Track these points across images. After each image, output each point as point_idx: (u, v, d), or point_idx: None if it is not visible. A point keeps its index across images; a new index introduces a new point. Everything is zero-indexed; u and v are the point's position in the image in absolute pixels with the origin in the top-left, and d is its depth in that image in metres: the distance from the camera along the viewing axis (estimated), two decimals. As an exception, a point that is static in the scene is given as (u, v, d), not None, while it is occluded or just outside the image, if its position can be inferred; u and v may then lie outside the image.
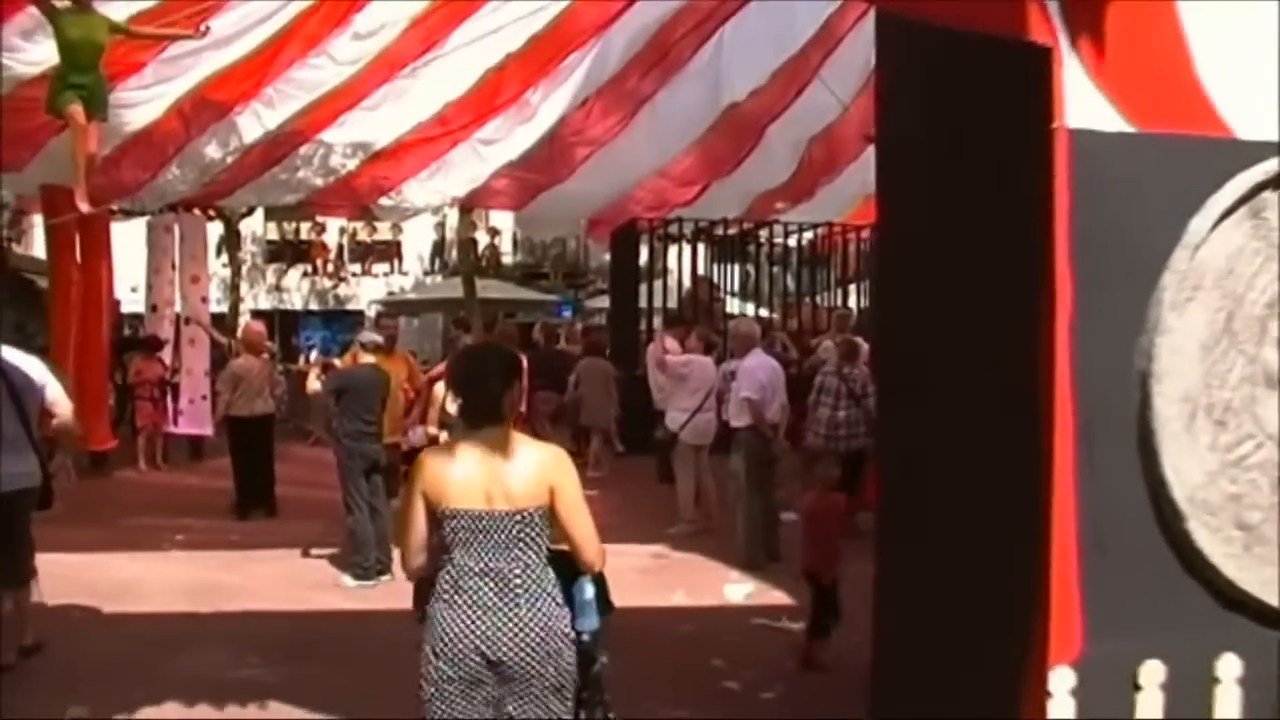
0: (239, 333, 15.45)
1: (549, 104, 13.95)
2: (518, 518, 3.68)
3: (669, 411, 11.41)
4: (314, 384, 9.80)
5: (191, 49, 11.32)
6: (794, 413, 11.03)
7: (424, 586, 3.86)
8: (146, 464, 15.26)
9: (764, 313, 20.73)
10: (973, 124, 3.58)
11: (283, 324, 33.17)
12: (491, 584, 3.67)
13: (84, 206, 8.74)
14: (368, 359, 9.26)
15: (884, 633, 4.32)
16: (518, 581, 3.68)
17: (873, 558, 4.39)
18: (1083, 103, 3.15)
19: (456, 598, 3.68)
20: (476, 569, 3.68)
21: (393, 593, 8.48)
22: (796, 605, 7.86)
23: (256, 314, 31.41)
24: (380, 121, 13.82)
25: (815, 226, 18.68)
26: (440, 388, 7.67)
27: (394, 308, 29.56)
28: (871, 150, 14.30)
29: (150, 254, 16.18)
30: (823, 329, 18.45)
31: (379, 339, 9.79)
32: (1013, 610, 3.29)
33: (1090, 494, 3.14)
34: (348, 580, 8.81)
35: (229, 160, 13.90)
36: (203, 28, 9.64)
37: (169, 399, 15.61)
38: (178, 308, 16.16)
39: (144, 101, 12.21)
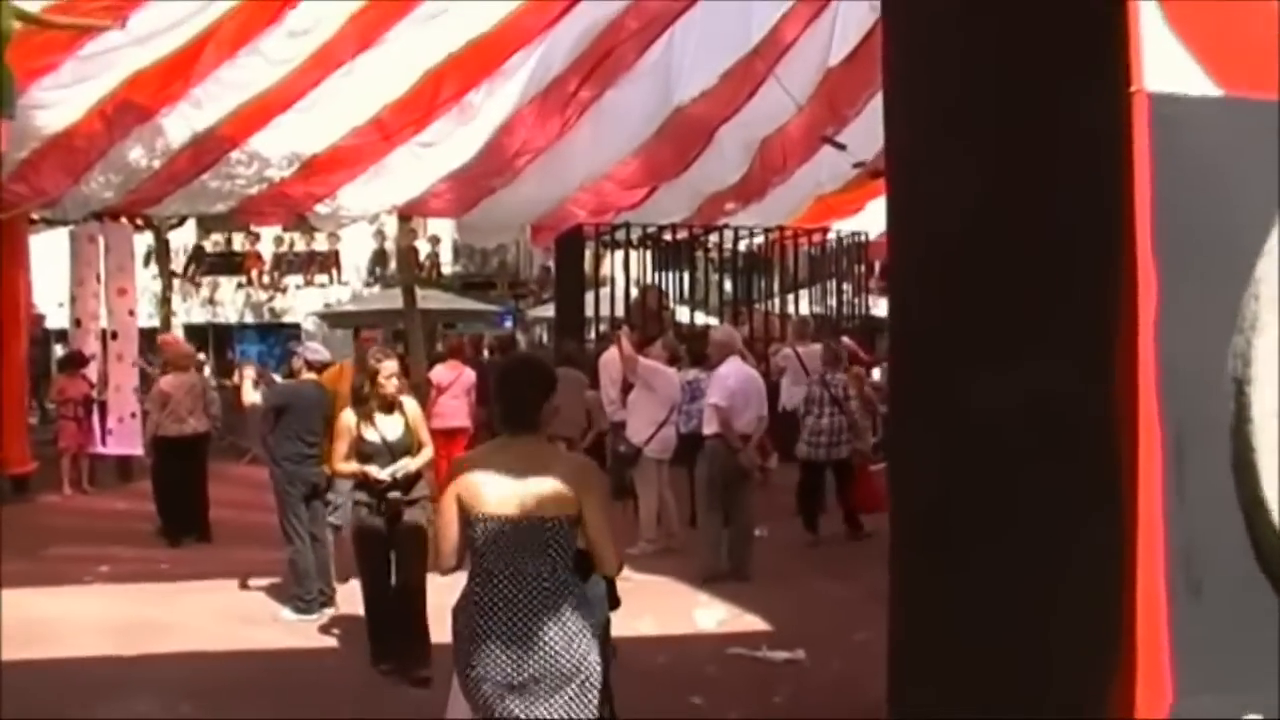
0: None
1: (491, 106, 13.43)
2: (548, 525, 3.82)
3: (631, 423, 10.82)
4: (251, 395, 9.15)
5: (111, 45, 10.69)
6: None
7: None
8: (71, 488, 14.46)
9: (712, 320, 20.28)
10: (1025, 88, 3.06)
11: (217, 338, 32.30)
12: (519, 587, 3.81)
13: (-7, 213, 8.04)
14: (308, 375, 8.59)
15: (906, 672, 3.79)
16: (546, 585, 3.81)
17: (891, 590, 3.84)
18: (1164, 62, 2.66)
19: (487, 602, 3.83)
20: (506, 572, 3.82)
21: (337, 627, 7.90)
22: (773, 631, 7.37)
23: (190, 328, 30.61)
24: (314, 125, 13.21)
25: (766, 230, 18.23)
26: (349, 416, 6.88)
27: (332, 320, 28.88)
28: (825, 151, 14.15)
29: (74, 265, 15.38)
30: (775, 336, 18.06)
31: (326, 356, 9.10)
32: (1086, 659, 2.79)
33: (1180, 524, 2.64)
34: (288, 614, 8.15)
35: (155, 165, 13.23)
36: (121, 21, 8.90)
37: (95, 418, 14.82)
38: (103, 322, 15.39)
39: (62, 102, 11.53)
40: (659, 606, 8.32)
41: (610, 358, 12.69)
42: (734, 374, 9.97)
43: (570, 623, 3.82)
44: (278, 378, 10.19)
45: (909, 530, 3.84)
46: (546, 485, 3.85)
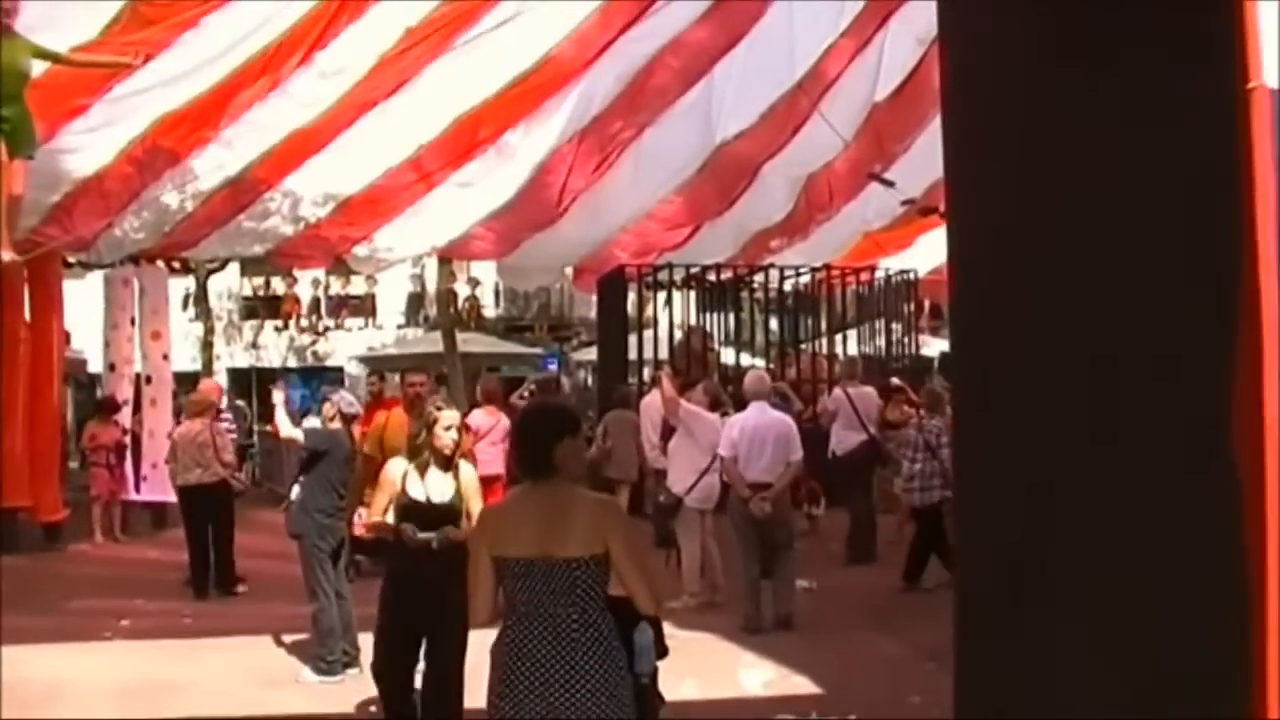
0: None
1: (530, 145, 13.16)
2: (573, 565, 3.84)
3: (672, 472, 10.38)
4: (290, 430, 8.65)
5: (139, 87, 10.51)
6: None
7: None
8: (103, 536, 14.20)
9: (758, 362, 19.84)
10: (1123, 82, 2.63)
11: (260, 382, 32.17)
12: (549, 630, 3.83)
13: (6, 255, 7.75)
14: (336, 425, 8.15)
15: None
16: (575, 627, 3.83)
17: (960, 655, 3.37)
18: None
19: (518, 644, 3.86)
20: (535, 615, 3.85)
21: (360, 689, 7.46)
22: (823, 694, 6.89)
23: (233, 372, 30.51)
24: (349, 165, 13.01)
25: (813, 269, 17.79)
26: (397, 466, 6.10)
27: (374, 363, 28.66)
28: (872, 189, 13.74)
29: (107, 309, 15.19)
30: (823, 378, 17.59)
31: (357, 409, 8.58)
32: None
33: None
34: (309, 675, 7.72)
35: (189, 207, 13.04)
36: (140, 57, 8.66)
37: (128, 464, 14.57)
38: (138, 366, 15.17)
39: (91, 145, 11.38)
40: (702, 666, 7.81)
41: (651, 401, 12.29)
42: (744, 421, 9.74)
43: (601, 666, 3.84)
44: (315, 421, 9.67)
45: (984, 585, 3.36)
46: (569, 526, 3.90)
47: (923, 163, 13.49)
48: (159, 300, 15.41)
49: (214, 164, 12.29)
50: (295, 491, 8.08)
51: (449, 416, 6.14)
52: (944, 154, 3.52)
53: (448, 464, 6.07)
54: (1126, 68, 2.63)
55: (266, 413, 27.68)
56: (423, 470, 6.01)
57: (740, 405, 11.24)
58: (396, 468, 6.08)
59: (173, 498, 14.01)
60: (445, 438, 6.02)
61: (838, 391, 12.82)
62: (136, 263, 14.91)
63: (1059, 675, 2.86)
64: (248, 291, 32.54)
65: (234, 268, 28.96)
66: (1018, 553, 3.09)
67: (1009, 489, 3.08)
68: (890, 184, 12.77)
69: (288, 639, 8.59)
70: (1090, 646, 2.80)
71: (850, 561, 11.76)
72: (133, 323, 15.04)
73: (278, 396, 9.13)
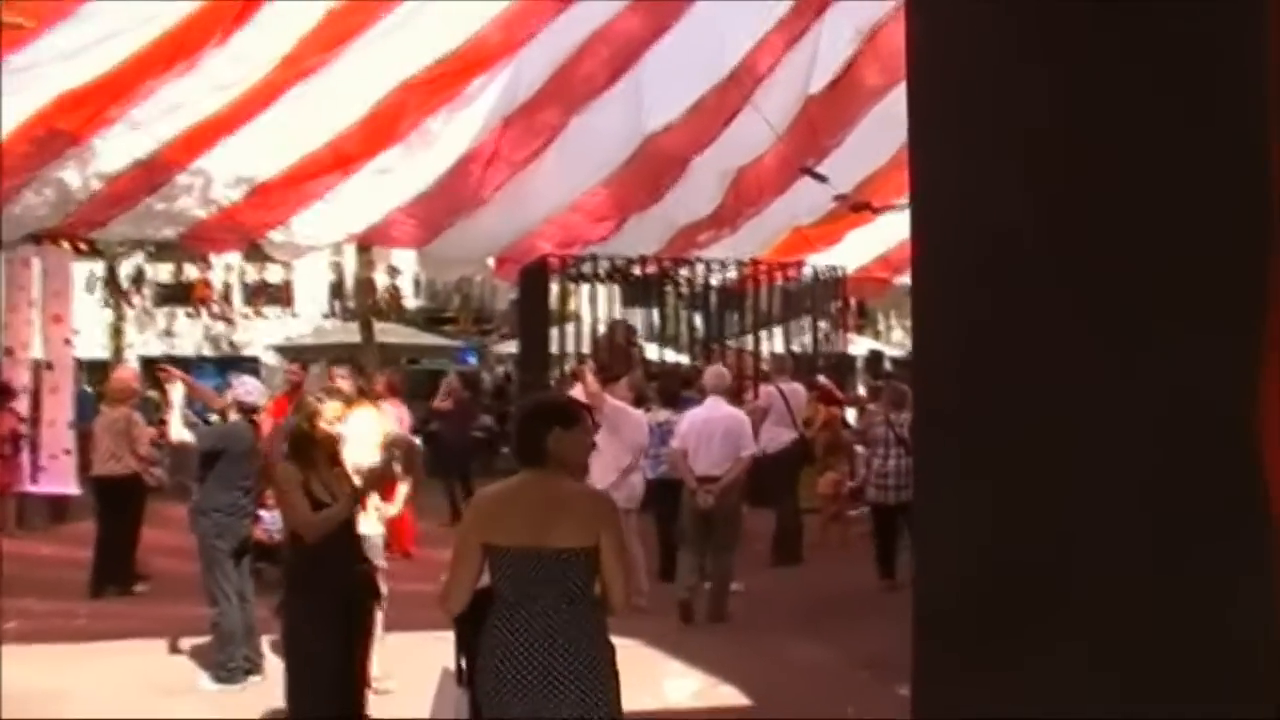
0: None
1: (452, 131, 12.73)
2: (564, 556, 3.85)
3: (594, 469, 10.01)
4: (181, 433, 8.05)
5: (35, 61, 9.91)
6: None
7: (464, 628, 4.02)
8: (-3, 529, 13.55)
9: (683, 358, 19.59)
10: (1148, 52, 2.32)
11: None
12: (538, 621, 3.82)
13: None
14: (237, 416, 7.69)
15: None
16: (565, 620, 3.82)
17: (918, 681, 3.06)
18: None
19: (505, 634, 3.84)
20: (524, 605, 3.84)
21: (262, 698, 7.07)
22: (753, 705, 6.61)
23: (146, 360, 29.68)
24: (265, 149, 12.47)
25: (739, 264, 17.52)
26: (291, 472, 5.47)
27: (290, 354, 28.04)
28: (803, 184, 13.48)
29: (6, 291, 14.48)
30: (748, 375, 17.36)
31: (258, 398, 8.04)
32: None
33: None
34: (207, 683, 7.30)
35: (94, 187, 12.44)
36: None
37: (24, 455, 13.91)
38: (37, 352, 14.50)
39: (-20, 120, 10.74)
40: (627, 675, 7.46)
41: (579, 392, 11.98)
42: (696, 415, 9.84)
43: (588, 662, 3.84)
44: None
45: (950, 604, 3.01)
46: (561, 517, 3.91)
47: (856, 158, 13.32)
48: (61, 283, 14.69)
49: (120, 145, 11.73)
50: (196, 488, 7.64)
51: (332, 409, 5.77)
52: (910, 146, 3.18)
53: (334, 461, 5.68)
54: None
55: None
56: (314, 469, 5.57)
57: (666, 401, 11.02)
58: (293, 474, 5.58)
59: (73, 490, 13.54)
60: (331, 432, 5.67)
61: (769, 388, 12.59)
62: (38, 242, 14.26)
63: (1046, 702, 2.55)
64: (164, 278, 31.65)
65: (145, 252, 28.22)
66: (991, 578, 2.78)
67: (980, 508, 2.76)
68: (823, 179, 12.55)
69: (187, 643, 8.15)
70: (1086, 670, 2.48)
71: (777, 563, 11.54)
72: (31, 305, 14.36)
73: (175, 397, 8.37)
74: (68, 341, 14.66)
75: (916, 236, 3.08)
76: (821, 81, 12.35)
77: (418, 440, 13.05)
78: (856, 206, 12.90)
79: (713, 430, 9.62)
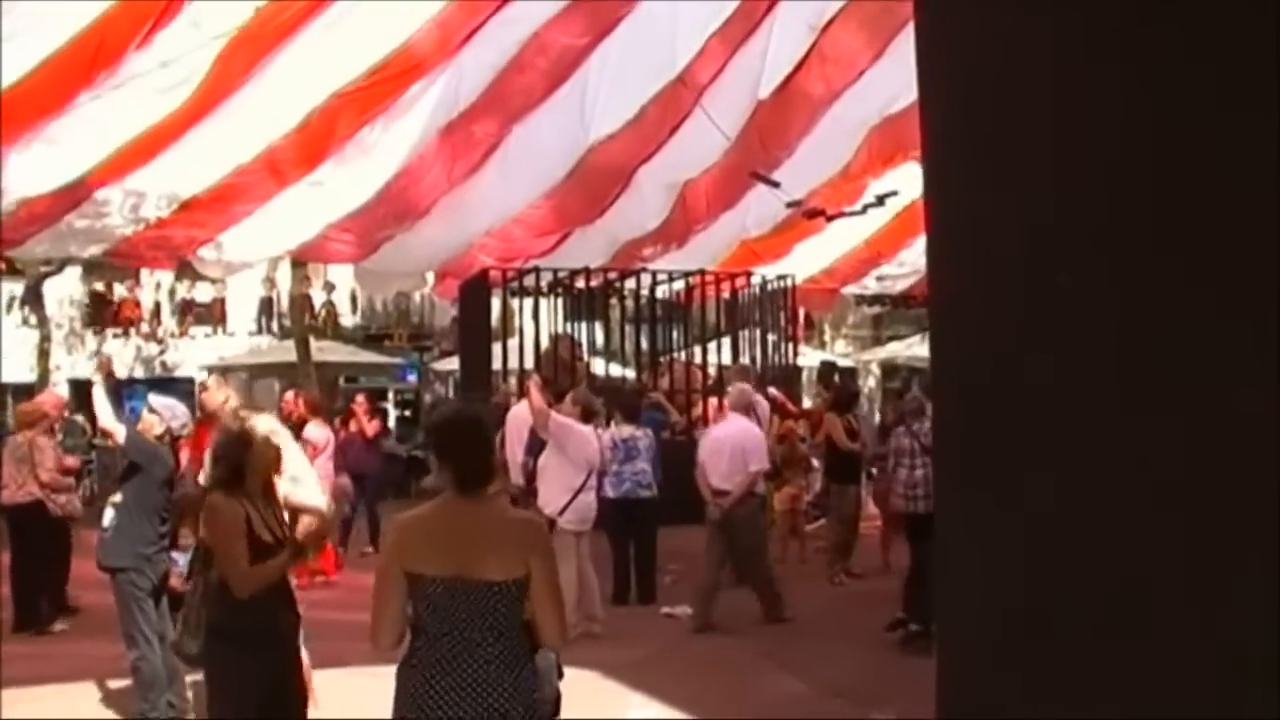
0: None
1: (389, 142, 12.29)
2: (494, 589, 3.59)
3: (543, 491, 9.62)
4: (109, 420, 7.24)
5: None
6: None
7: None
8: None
9: (628, 373, 19.22)
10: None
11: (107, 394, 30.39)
12: (464, 656, 3.57)
13: None
14: (156, 434, 7.07)
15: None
16: (493, 653, 3.58)
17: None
18: None
19: (429, 669, 3.58)
20: (449, 639, 3.58)
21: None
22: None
23: (76, 384, 28.79)
24: (194, 162, 11.95)
25: (686, 275, 17.18)
26: (231, 505, 4.88)
27: (222, 373, 27.33)
28: (752, 195, 13.17)
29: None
30: (696, 388, 17.02)
31: (180, 419, 7.25)
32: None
33: None
34: (129, 734, 6.77)
35: (10, 207, 11.83)
36: None
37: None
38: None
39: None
40: (583, 707, 7.08)
41: (518, 413, 11.50)
42: (713, 430, 10.43)
43: (514, 697, 3.58)
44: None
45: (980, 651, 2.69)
46: (491, 545, 3.65)
47: (806, 167, 13.05)
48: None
49: (39, 164, 11.14)
50: (109, 515, 6.98)
51: (265, 423, 5.31)
52: (923, 151, 2.89)
53: (269, 491, 5.18)
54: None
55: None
56: (250, 502, 4.99)
57: (628, 416, 10.88)
58: (233, 507, 4.95)
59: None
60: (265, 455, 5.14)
61: (758, 398, 12.15)
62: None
63: None
64: (89, 297, 30.80)
65: (73, 271, 27.43)
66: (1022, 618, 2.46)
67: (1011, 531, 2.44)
68: (774, 184, 12.26)
69: (112, 684, 7.59)
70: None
71: (740, 582, 11.15)
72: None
73: (98, 391, 7.63)
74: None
75: (935, 241, 2.77)
76: (771, 85, 12.06)
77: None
78: (809, 214, 12.62)
79: (724, 445, 9.87)
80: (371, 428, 14.96)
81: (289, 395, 10.29)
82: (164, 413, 7.12)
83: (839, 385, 13.33)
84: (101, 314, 30.18)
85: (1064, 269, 2.28)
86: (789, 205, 12.65)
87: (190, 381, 28.81)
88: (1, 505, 10.28)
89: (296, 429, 9.03)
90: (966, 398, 2.67)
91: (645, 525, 10.72)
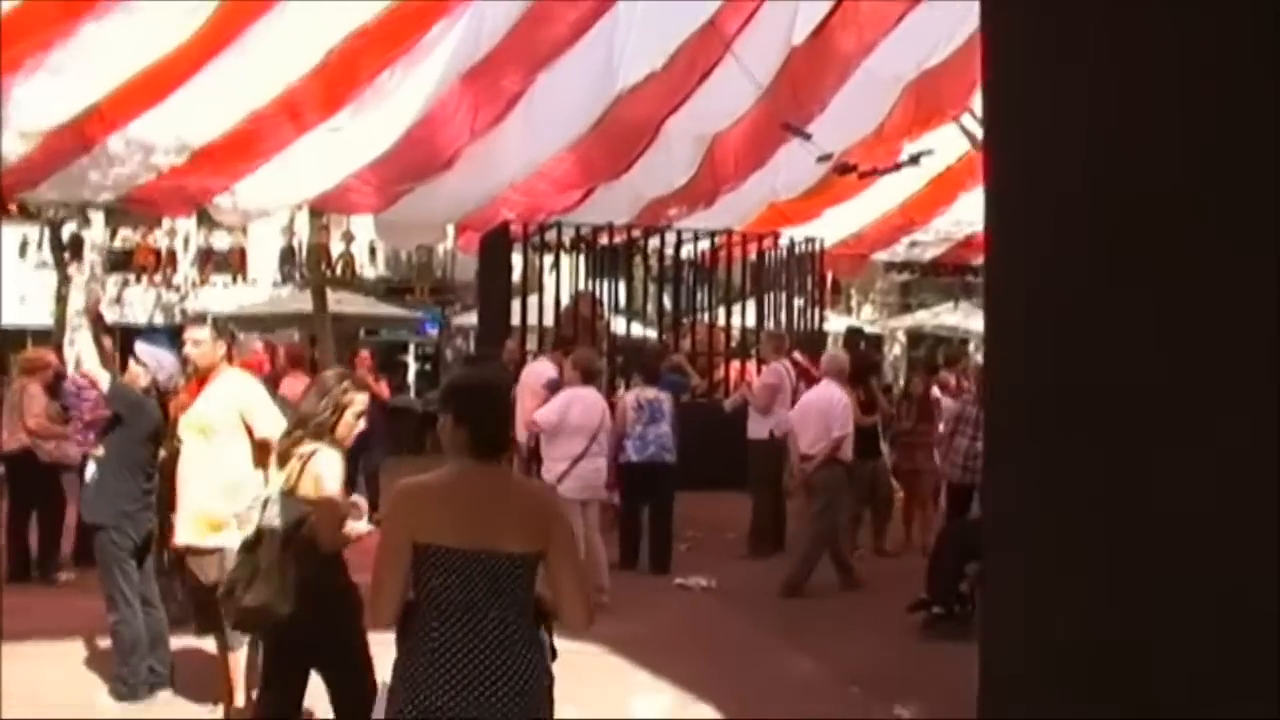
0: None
1: (409, 88, 11.88)
2: (515, 562, 3.40)
3: (546, 460, 9.24)
4: (93, 365, 6.68)
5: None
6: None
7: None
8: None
9: (650, 333, 18.80)
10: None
11: (124, 340, 30.18)
12: (486, 634, 3.36)
13: None
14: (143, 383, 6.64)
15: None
16: (511, 631, 3.37)
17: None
18: None
19: (446, 650, 3.36)
20: (468, 617, 3.36)
21: (170, 713, 6.27)
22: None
23: (97, 328, 28.52)
24: (208, 106, 11.59)
25: (712, 234, 16.71)
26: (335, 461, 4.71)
27: (243, 323, 27.03)
28: (782, 154, 12.72)
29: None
30: (719, 350, 16.61)
31: (169, 369, 6.63)
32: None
33: None
34: (106, 699, 6.40)
35: (18, 147, 11.47)
36: None
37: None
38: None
39: None
40: (586, 687, 6.71)
41: (537, 369, 11.14)
42: (808, 395, 10.34)
43: (530, 677, 3.38)
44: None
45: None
46: (510, 516, 3.46)
47: (839, 123, 12.58)
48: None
49: (44, 96, 10.78)
50: (91, 469, 6.59)
51: (361, 401, 4.93)
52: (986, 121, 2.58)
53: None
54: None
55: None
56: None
57: (649, 379, 10.59)
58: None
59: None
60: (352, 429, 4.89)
61: (776, 366, 11.70)
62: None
63: None
64: (117, 243, 30.59)
65: (96, 216, 27.19)
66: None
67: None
68: (806, 136, 11.79)
69: (102, 643, 7.24)
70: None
71: (752, 554, 10.80)
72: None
73: (83, 334, 7.23)
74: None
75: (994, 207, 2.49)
76: (804, 32, 11.58)
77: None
78: (841, 169, 12.15)
79: (811, 411, 9.95)
80: (381, 388, 13.92)
81: (257, 345, 9.56)
82: (150, 363, 6.69)
83: (855, 353, 12.88)
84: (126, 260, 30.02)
85: (1128, 242, 2.00)
86: (820, 159, 12.17)
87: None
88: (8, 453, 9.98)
89: (273, 384, 8.43)
90: (1025, 381, 2.37)
91: (665, 492, 10.32)
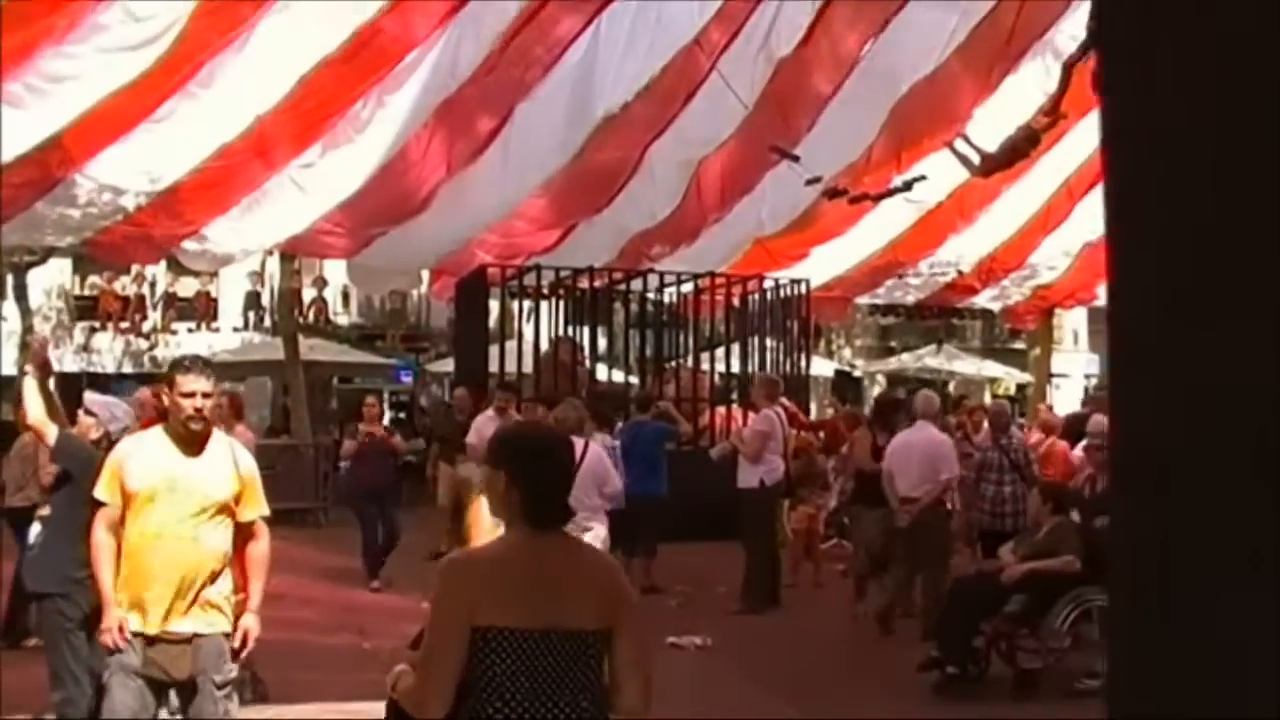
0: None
1: (382, 119, 11.44)
2: (587, 640, 3.07)
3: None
4: (39, 416, 6.02)
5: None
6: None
7: None
8: None
9: (632, 379, 18.31)
10: None
11: (92, 389, 29.55)
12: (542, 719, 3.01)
13: None
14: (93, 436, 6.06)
15: None
16: (583, 716, 3.02)
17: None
18: None
19: None
20: (536, 706, 3.00)
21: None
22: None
23: (63, 378, 27.84)
24: (173, 143, 11.14)
25: (695, 276, 16.24)
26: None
27: (213, 370, 26.38)
28: (771, 179, 12.31)
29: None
30: (703, 396, 16.11)
31: (122, 420, 6.31)
32: None
33: None
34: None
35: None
36: None
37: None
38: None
39: None
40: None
41: (480, 425, 10.81)
42: (901, 438, 9.98)
43: None
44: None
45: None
46: (581, 590, 3.12)
47: (827, 146, 12.24)
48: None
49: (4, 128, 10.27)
50: (35, 531, 5.99)
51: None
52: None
53: None
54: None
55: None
56: None
57: (600, 424, 10.54)
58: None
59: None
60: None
61: (768, 412, 11.21)
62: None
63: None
64: (80, 288, 30.08)
65: (63, 262, 26.74)
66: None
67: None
68: (794, 158, 11.36)
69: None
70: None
71: (745, 609, 10.24)
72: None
73: (28, 382, 6.21)
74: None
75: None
76: (791, 42, 11.27)
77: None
78: (831, 193, 11.74)
79: (914, 453, 9.67)
80: (397, 442, 13.28)
81: (145, 392, 8.83)
82: (101, 414, 6.14)
83: (880, 398, 12.51)
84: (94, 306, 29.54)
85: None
86: (809, 182, 11.79)
87: (178, 378, 27.95)
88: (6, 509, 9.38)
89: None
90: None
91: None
